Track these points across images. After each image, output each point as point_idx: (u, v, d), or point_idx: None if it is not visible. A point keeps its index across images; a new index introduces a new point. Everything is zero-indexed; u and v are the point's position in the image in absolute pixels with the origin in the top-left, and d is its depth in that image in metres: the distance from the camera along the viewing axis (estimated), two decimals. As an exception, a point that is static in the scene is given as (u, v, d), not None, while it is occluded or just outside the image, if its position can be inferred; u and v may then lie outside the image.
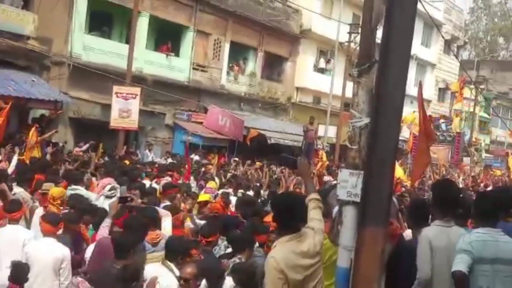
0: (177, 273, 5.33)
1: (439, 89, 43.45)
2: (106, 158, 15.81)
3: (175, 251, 5.72)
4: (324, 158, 21.06)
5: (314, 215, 4.38)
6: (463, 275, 4.30)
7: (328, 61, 31.36)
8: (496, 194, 5.98)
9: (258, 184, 14.31)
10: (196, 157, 19.83)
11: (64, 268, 6.05)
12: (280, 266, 3.98)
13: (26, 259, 5.87)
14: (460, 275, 4.30)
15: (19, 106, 16.70)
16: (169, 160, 18.97)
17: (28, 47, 18.26)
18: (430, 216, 5.21)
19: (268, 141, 24.44)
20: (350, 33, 27.44)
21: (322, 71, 31.67)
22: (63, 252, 6.08)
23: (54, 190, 8.10)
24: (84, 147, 16.68)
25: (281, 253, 4.06)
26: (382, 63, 4.07)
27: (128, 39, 20.06)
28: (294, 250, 4.08)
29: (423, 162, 11.86)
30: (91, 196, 9.26)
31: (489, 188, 16.86)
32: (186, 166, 14.81)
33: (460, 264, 4.29)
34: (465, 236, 4.49)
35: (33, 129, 13.02)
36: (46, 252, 6.03)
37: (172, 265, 5.56)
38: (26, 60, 18.32)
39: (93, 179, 11.23)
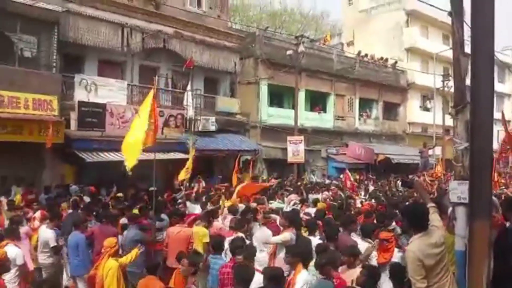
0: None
1: (516, 112, 38.89)
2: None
3: None
4: (439, 169, 19.67)
5: (435, 217, 4.20)
6: None
7: (429, 102, 29.62)
8: None
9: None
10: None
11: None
12: (417, 255, 3.83)
13: None
14: None
15: (234, 155, 17.55)
16: (327, 180, 18.90)
17: (236, 119, 19.24)
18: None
19: (392, 161, 23.39)
20: (443, 81, 25.91)
21: (426, 109, 29.88)
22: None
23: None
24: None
25: (417, 246, 3.89)
26: (473, 103, 3.88)
27: (293, 106, 20.48)
28: (426, 243, 3.90)
29: None
30: (283, 206, 9.40)
31: None
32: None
33: None
34: None
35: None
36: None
37: None
38: (236, 127, 19.21)
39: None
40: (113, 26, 15.15)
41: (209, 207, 8.05)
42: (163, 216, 7.65)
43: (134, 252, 5.62)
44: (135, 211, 7.98)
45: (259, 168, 18.74)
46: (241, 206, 8.24)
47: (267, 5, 41.17)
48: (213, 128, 17.22)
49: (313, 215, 7.73)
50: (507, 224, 5.17)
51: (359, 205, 10.46)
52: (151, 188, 8.78)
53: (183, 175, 10.38)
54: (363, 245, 5.60)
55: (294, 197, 9.75)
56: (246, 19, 36.83)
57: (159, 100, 16.42)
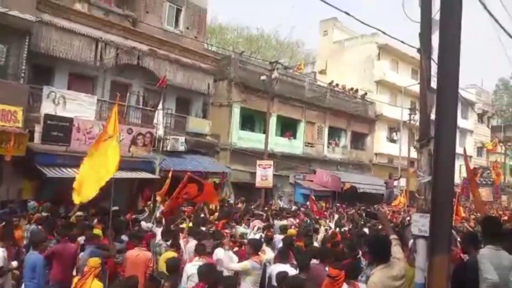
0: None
1: (477, 147, 40.33)
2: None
3: None
4: (403, 200, 20.05)
5: (397, 249, 4.22)
6: None
7: (396, 134, 30.39)
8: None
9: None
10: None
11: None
12: (379, 287, 3.82)
13: None
14: None
15: (201, 176, 17.34)
16: (294, 207, 18.84)
17: (206, 140, 19.04)
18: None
19: (358, 190, 23.65)
20: (409, 114, 26.77)
21: (392, 141, 30.61)
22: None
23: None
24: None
25: (379, 278, 3.90)
26: (436, 138, 3.95)
27: (264, 131, 20.53)
28: (387, 275, 3.91)
29: (479, 200, 11.16)
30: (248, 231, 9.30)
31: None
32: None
33: None
34: None
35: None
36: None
37: None
38: (205, 148, 18.98)
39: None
40: (87, 40, 14.90)
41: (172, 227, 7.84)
42: (124, 237, 7.38)
43: None
44: (97, 231, 7.69)
45: (226, 192, 18.49)
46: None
47: (244, 30, 41.80)
48: (182, 148, 16.97)
49: (280, 242, 7.61)
50: (466, 257, 5.24)
51: (323, 232, 10.42)
52: (113, 208, 8.48)
53: (160, 197, 10.12)
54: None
55: (257, 223, 9.64)
56: (222, 41, 37.18)
57: (128, 117, 16.19)
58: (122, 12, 16.46)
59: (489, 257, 4.15)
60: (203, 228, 8.95)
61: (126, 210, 11.23)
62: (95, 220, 9.02)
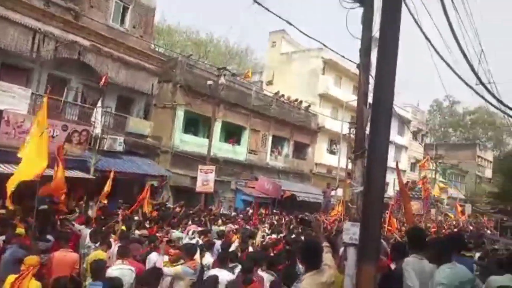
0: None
1: (411, 163, 42.58)
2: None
3: None
4: (340, 209, 20.59)
5: (328, 256, 4.28)
6: None
7: (335, 146, 31.36)
8: (449, 238, 5.73)
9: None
10: (251, 210, 19.64)
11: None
12: None
13: None
14: None
15: (140, 179, 16.92)
16: (233, 213, 18.81)
17: (147, 142, 18.58)
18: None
19: (297, 198, 24.08)
20: (349, 128, 27.47)
21: (332, 152, 31.57)
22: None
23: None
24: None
25: (308, 284, 3.93)
26: (370, 150, 4.07)
27: (208, 136, 20.37)
28: (317, 282, 3.95)
29: (410, 212, 11.64)
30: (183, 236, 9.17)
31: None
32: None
33: None
34: (439, 271, 4.11)
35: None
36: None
37: None
38: (145, 150, 18.55)
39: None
40: (23, 30, 14.03)
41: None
42: (49, 237, 6.97)
43: None
44: (20, 230, 7.22)
45: (164, 196, 18.09)
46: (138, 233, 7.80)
47: (194, 33, 41.46)
48: (120, 148, 16.38)
49: (219, 247, 7.59)
50: (393, 266, 5.45)
51: (260, 237, 10.50)
52: (41, 207, 8.05)
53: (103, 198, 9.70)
54: (267, 278, 5.60)
55: (193, 227, 9.53)
56: (170, 43, 36.59)
57: (65, 113, 15.41)
58: (64, 4, 15.68)
59: (412, 265, 4.34)
60: (138, 232, 8.71)
61: (56, 210, 10.60)
62: (17, 218, 8.44)
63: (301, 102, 28.69)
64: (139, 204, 12.01)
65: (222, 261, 6.33)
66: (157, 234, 8.21)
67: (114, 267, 5.57)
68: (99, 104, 15.50)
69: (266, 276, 5.83)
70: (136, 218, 10.59)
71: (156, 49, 22.69)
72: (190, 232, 8.95)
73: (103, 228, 7.98)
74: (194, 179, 18.78)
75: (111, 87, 16.61)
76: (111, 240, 7.29)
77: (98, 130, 15.19)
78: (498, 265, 5.95)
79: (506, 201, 30.37)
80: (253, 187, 23.10)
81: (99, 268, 5.15)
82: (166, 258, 6.49)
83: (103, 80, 15.39)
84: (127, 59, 17.31)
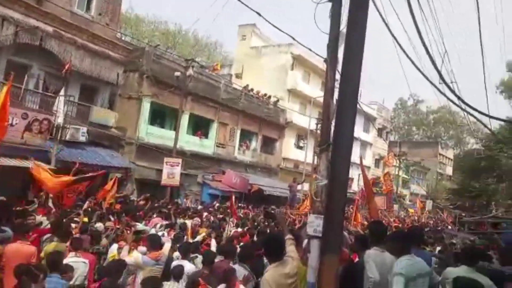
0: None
1: (375, 159, 43.57)
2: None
3: None
4: (307, 203, 20.81)
5: (291, 248, 4.34)
6: None
7: (303, 141, 31.68)
8: (409, 231, 5.88)
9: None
10: (217, 204, 19.57)
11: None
12: (270, 284, 3.90)
13: None
14: None
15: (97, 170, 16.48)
16: (200, 206, 18.69)
17: (111, 133, 18.23)
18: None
19: (264, 193, 24.18)
20: (316, 124, 27.80)
21: (299, 147, 31.86)
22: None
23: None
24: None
25: (271, 275, 3.97)
26: (334, 144, 4.12)
27: (175, 128, 20.15)
28: (280, 273, 3.99)
29: (375, 207, 11.87)
30: (147, 229, 9.03)
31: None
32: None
33: (399, 284, 4.04)
34: (398, 263, 4.22)
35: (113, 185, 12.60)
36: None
37: None
38: (109, 141, 18.18)
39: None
40: (-19, 12, 13.40)
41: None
42: (5, 228, 6.68)
43: None
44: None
45: (129, 188, 17.77)
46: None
47: (162, 24, 40.75)
48: (83, 139, 15.93)
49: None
50: (356, 259, 5.56)
51: (228, 230, 10.49)
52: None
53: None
54: (240, 272, 5.58)
55: (158, 220, 9.42)
56: (138, 33, 35.84)
57: (25, 101, 14.84)
58: (26, -13, 15.05)
59: (373, 257, 4.45)
60: (101, 224, 8.52)
61: (15, 201, 10.20)
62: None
63: (269, 97, 28.78)
64: (103, 197, 11.74)
65: (185, 252, 6.51)
66: (117, 226, 8.08)
67: (67, 259, 5.43)
68: (62, 92, 15.00)
69: (238, 269, 5.83)
70: (98, 211, 10.32)
71: (123, 38, 22.15)
72: (158, 226, 8.85)
73: (64, 220, 7.73)
74: (160, 172, 18.54)
75: (74, 75, 16.12)
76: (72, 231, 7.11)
77: (60, 120, 14.72)
78: (455, 258, 6.19)
79: (464, 197, 31.73)
80: (220, 181, 22.98)
81: (56, 260, 4.97)
82: (126, 247, 6.43)
83: (66, 67, 14.93)
84: (92, 47, 16.82)
